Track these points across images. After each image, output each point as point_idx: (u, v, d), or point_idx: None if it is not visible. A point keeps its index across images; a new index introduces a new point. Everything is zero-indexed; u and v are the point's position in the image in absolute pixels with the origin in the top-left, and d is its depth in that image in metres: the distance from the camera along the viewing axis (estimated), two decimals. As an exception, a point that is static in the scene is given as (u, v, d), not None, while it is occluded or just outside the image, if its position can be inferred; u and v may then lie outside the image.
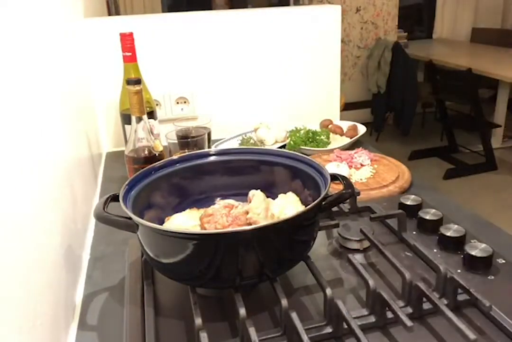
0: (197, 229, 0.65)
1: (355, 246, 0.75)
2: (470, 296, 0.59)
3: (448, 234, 0.73)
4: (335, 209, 0.83)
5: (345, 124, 1.31)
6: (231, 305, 0.58)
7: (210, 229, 0.62)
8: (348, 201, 0.84)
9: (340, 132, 1.27)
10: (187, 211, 0.72)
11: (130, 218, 0.60)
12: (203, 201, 0.77)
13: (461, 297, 0.61)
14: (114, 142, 1.34)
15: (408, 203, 0.84)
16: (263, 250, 0.58)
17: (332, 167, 1.00)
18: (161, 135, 1.10)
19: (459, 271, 0.68)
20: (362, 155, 1.08)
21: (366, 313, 0.59)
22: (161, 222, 0.70)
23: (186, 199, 0.76)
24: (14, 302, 0.44)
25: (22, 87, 0.58)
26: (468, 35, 4.48)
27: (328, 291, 0.57)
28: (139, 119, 0.89)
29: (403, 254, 0.73)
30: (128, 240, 0.79)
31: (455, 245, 0.72)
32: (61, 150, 0.76)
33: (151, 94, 1.14)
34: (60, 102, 0.81)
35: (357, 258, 0.70)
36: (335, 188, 0.91)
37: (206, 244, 0.56)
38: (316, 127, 1.30)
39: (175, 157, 0.77)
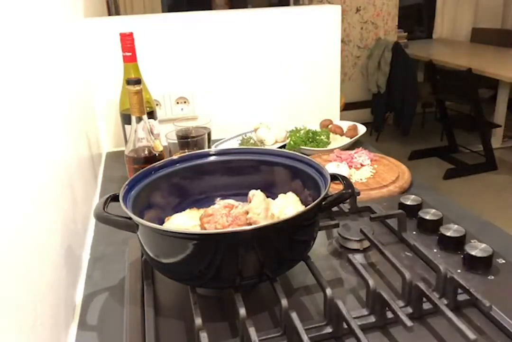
0: (197, 229, 0.65)
1: (355, 246, 0.75)
2: (470, 296, 0.59)
3: (448, 234, 0.73)
4: (335, 209, 0.83)
5: (345, 124, 1.31)
6: (231, 305, 0.58)
7: (210, 229, 0.62)
8: (348, 201, 0.84)
9: (340, 132, 1.27)
10: (187, 211, 0.72)
11: (130, 218, 0.60)
12: (203, 201, 0.77)
13: (461, 297, 0.61)
14: (114, 142, 1.34)
15: (408, 203, 0.84)
16: (263, 250, 0.58)
17: (332, 167, 1.00)
18: (161, 135, 1.10)
19: (459, 271, 0.68)
20: (362, 155, 1.08)
21: (366, 313, 0.59)
22: (161, 222, 0.70)
23: (186, 199, 0.76)
24: (14, 302, 0.44)
25: (22, 87, 0.58)
26: (468, 35, 4.48)
27: (328, 291, 0.57)
28: (139, 119, 0.89)
29: (403, 254, 0.73)
30: (128, 240, 0.79)
31: (455, 245, 0.72)
32: (61, 150, 0.76)
33: (151, 94, 1.14)
34: (60, 102, 0.81)
35: (357, 258, 0.70)
36: (335, 188, 0.91)
37: (206, 244, 0.56)
38: (316, 127, 1.30)
39: (175, 157, 0.77)
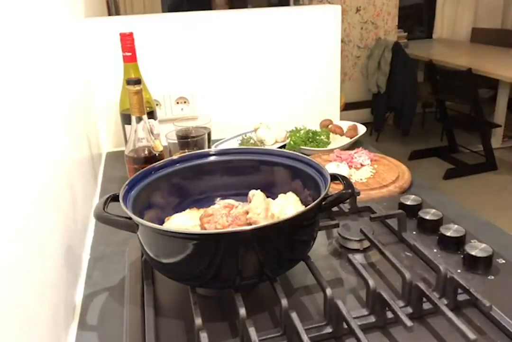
0: (197, 229, 0.65)
1: (355, 246, 0.75)
2: (470, 296, 0.59)
3: (448, 234, 0.73)
4: (335, 209, 0.83)
5: (345, 124, 1.31)
6: (231, 305, 0.58)
7: (210, 229, 0.62)
8: (348, 201, 0.84)
9: (340, 132, 1.27)
10: (187, 211, 0.72)
11: (130, 218, 0.60)
12: (203, 201, 0.77)
13: (461, 297, 0.61)
14: (114, 142, 1.34)
15: (408, 203, 0.84)
16: (263, 250, 0.58)
17: (332, 167, 1.00)
18: (161, 135, 1.10)
19: (459, 271, 0.68)
20: (362, 155, 1.08)
21: (366, 313, 0.59)
22: (161, 222, 0.70)
23: (186, 199, 0.76)
24: (14, 302, 0.44)
25: (23, 87, 0.58)
26: (468, 35, 4.48)
27: (328, 291, 0.57)
28: (139, 119, 0.89)
29: (403, 254, 0.73)
30: (128, 240, 0.79)
31: (455, 245, 0.72)
32: (61, 150, 0.76)
33: (151, 94, 1.14)
34: (60, 102, 0.81)
35: (357, 258, 0.70)
36: (335, 188, 0.91)
37: (206, 244, 0.56)
38: (316, 127, 1.30)
39: (175, 157, 0.77)
